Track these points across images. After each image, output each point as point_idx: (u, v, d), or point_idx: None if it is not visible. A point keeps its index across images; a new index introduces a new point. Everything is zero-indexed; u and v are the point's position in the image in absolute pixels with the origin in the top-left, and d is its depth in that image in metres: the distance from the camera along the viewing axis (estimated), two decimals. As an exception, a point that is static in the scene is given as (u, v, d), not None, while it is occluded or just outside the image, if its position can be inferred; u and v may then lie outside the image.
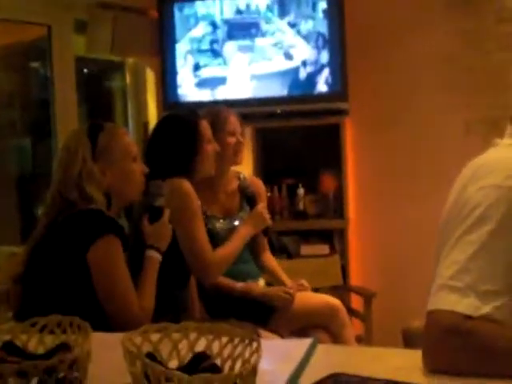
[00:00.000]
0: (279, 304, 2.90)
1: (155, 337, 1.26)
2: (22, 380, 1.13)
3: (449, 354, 1.28)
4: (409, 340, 1.71)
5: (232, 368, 1.22)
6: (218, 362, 1.23)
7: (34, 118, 5.47)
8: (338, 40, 4.29)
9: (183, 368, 1.18)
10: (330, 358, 1.54)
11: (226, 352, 1.24)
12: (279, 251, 4.05)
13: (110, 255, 2.15)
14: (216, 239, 2.84)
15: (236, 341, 1.23)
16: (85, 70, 4.72)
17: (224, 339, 1.25)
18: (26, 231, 5.30)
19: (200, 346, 1.26)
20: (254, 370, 1.07)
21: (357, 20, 4.35)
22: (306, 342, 1.58)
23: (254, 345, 1.16)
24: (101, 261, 2.13)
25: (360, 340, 3.64)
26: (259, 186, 3.23)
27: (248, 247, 3.06)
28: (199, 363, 1.21)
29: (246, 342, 1.20)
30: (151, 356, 1.15)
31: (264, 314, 2.86)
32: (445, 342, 1.28)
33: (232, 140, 3.04)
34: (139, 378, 1.07)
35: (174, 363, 1.25)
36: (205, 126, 2.82)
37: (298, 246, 4.41)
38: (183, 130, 2.78)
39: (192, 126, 2.79)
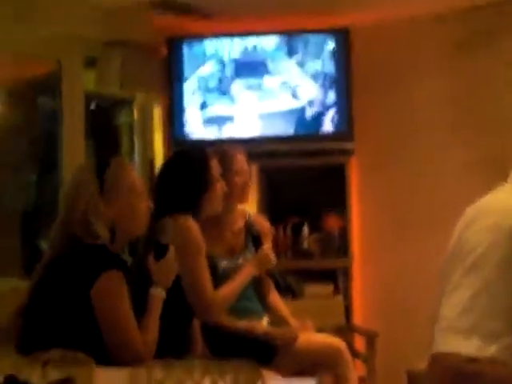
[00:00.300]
0: (282, 343, 2.88)
1: (160, 374, 1.25)
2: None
3: None
4: (413, 382, 1.70)
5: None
6: (222, 401, 1.23)
7: (41, 152, 5.49)
8: (344, 80, 4.33)
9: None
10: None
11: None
12: (285, 291, 4.04)
13: (113, 290, 2.13)
14: (220, 278, 2.83)
15: (241, 380, 1.22)
16: (93, 105, 4.75)
17: (228, 379, 1.24)
18: (29, 265, 5.29)
19: (204, 385, 1.25)
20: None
21: (363, 61, 4.39)
22: (309, 382, 1.57)
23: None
24: (104, 296, 2.12)
25: (363, 381, 3.61)
26: (264, 224, 3.23)
27: (253, 285, 3.05)
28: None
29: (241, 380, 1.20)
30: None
31: (267, 354, 2.83)
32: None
33: (239, 179, 3.05)
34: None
35: (177, 401, 1.24)
36: (215, 165, 2.83)
37: (301, 285, 4.39)
38: (194, 168, 2.79)
39: (203, 164, 2.80)
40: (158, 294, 2.31)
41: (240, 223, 3.15)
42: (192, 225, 2.64)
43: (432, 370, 1.31)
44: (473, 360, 1.26)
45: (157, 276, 2.34)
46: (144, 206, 2.35)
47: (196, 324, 2.78)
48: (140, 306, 2.25)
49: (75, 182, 2.29)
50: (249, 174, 3.13)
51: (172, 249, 2.39)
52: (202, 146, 3.08)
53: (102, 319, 2.11)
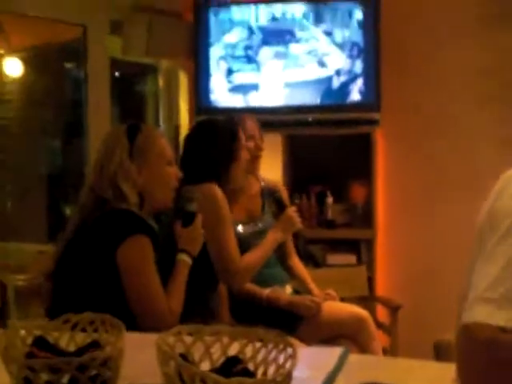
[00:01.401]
0: (305, 313, 2.88)
1: (188, 339, 1.25)
2: (54, 376, 1.12)
3: (485, 368, 1.26)
4: (441, 353, 1.68)
5: (265, 373, 1.21)
6: (251, 366, 1.22)
7: (66, 119, 5.51)
8: (372, 50, 4.27)
9: (215, 371, 1.17)
10: (361, 367, 1.52)
11: (260, 357, 1.23)
12: (305, 259, 4.02)
13: (139, 254, 2.14)
14: (240, 243, 2.82)
15: (270, 346, 1.21)
16: (118, 72, 4.74)
17: (257, 344, 1.23)
18: (53, 230, 5.33)
19: (233, 350, 1.25)
20: (289, 376, 1.06)
21: (392, 30, 4.32)
22: (337, 351, 1.56)
23: (289, 350, 1.15)
24: (129, 260, 2.12)
25: (385, 352, 3.60)
26: (284, 190, 3.23)
27: (275, 251, 3.04)
28: (231, 367, 1.20)
29: (280, 347, 1.19)
30: (183, 357, 1.14)
31: (291, 322, 2.83)
32: (481, 355, 1.25)
33: (250, 145, 3.02)
34: (173, 379, 1.06)
35: (205, 366, 1.24)
36: (242, 134, 2.82)
37: (324, 254, 4.38)
38: (224, 137, 2.77)
39: (233, 133, 2.79)
40: (185, 260, 2.31)
41: (255, 187, 3.14)
42: (219, 193, 2.64)
43: (462, 340, 1.29)
44: (503, 330, 1.24)
45: (184, 243, 2.35)
46: (173, 173, 2.35)
47: (223, 290, 2.79)
48: (167, 274, 2.25)
49: (106, 146, 2.28)
50: (261, 141, 3.11)
51: (199, 217, 2.40)
52: (229, 115, 3.05)
53: (127, 283, 2.12)
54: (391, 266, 4.49)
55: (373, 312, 4.04)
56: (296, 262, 3.21)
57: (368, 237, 4.37)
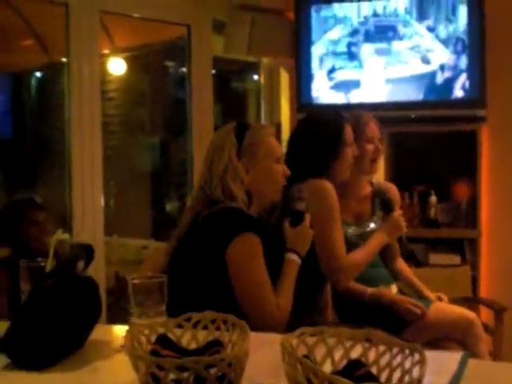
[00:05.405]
0: (407, 317, 2.82)
1: (310, 340, 1.25)
2: (181, 374, 1.14)
3: None
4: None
5: (389, 378, 1.19)
6: (374, 370, 1.21)
7: (167, 117, 5.62)
8: (477, 45, 4.16)
9: (338, 374, 1.16)
10: (482, 373, 1.48)
11: (384, 361, 1.21)
12: (407, 258, 3.96)
13: (249, 252, 2.14)
14: (347, 245, 2.79)
15: (395, 350, 1.20)
16: (220, 70, 4.79)
17: (381, 348, 1.22)
18: (155, 226, 5.45)
19: (355, 353, 1.24)
20: (419, 382, 1.04)
21: (498, 24, 4.20)
22: (456, 355, 1.53)
23: (417, 356, 1.13)
24: (239, 257, 2.13)
25: (491, 355, 3.51)
26: (395, 192, 3.17)
27: (379, 253, 3.01)
28: (354, 370, 1.19)
29: (407, 352, 1.17)
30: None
31: (396, 323, 2.79)
32: None
33: (370, 147, 2.99)
34: (300, 382, 1.06)
35: (327, 368, 1.23)
36: (349, 130, 2.78)
37: (426, 254, 4.32)
38: (328, 132, 2.74)
39: (338, 129, 2.76)
40: (294, 260, 2.30)
41: (366, 190, 3.10)
42: (330, 188, 2.61)
43: None
44: None
45: (292, 243, 2.34)
46: (281, 171, 2.35)
47: (328, 290, 2.78)
48: (275, 273, 2.25)
49: (215, 144, 2.30)
50: (381, 142, 3.06)
51: (308, 216, 2.38)
52: (336, 109, 3.01)
53: (236, 280, 2.13)
54: (496, 266, 4.37)
55: (477, 314, 3.95)
56: (402, 265, 3.16)
57: (472, 236, 4.28)
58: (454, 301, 3.51)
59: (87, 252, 1.69)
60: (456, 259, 4.25)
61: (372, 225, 2.99)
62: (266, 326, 2.02)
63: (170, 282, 1.63)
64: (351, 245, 2.82)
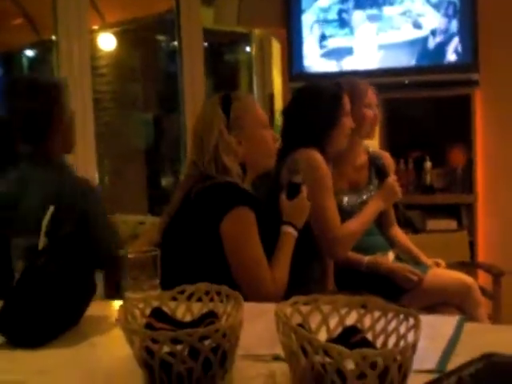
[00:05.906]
0: (404, 285, 2.82)
1: (305, 309, 1.24)
2: (175, 346, 1.13)
3: None
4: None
5: (385, 344, 1.19)
6: (369, 336, 1.20)
7: (159, 91, 5.58)
8: (469, 8, 4.13)
9: (333, 341, 1.15)
10: (479, 336, 1.48)
11: (379, 327, 1.21)
12: (404, 225, 3.95)
13: (243, 226, 2.13)
14: (343, 214, 2.78)
15: (389, 316, 1.19)
16: (211, 42, 4.75)
17: (376, 314, 1.21)
18: (152, 201, 5.44)
19: (350, 320, 1.23)
20: (414, 347, 1.03)
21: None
22: (453, 319, 1.53)
23: (411, 320, 1.13)
24: (233, 231, 2.12)
25: (490, 319, 3.52)
26: (389, 159, 3.16)
27: (375, 220, 3.00)
28: (349, 337, 1.19)
29: (401, 317, 1.17)
30: (301, 327, 1.13)
31: (394, 290, 2.79)
32: None
33: (369, 113, 2.97)
34: (295, 351, 1.06)
35: (322, 336, 1.22)
36: (347, 100, 2.77)
37: (424, 220, 4.31)
38: (326, 101, 2.73)
39: (337, 97, 2.74)
40: (290, 232, 2.29)
41: (362, 158, 3.08)
42: (319, 158, 2.61)
43: None
44: None
45: (289, 215, 2.32)
46: (270, 136, 2.33)
47: (327, 259, 2.77)
48: (270, 245, 2.23)
49: (203, 119, 2.29)
50: (378, 108, 3.05)
51: (305, 188, 2.36)
52: (334, 79, 2.98)
53: (230, 254, 2.12)
54: (493, 231, 4.38)
55: (474, 278, 3.96)
56: (398, 231, 3.17)
57: (468, 201, 4.27)
58: (452, 266, 3.51)
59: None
60: (453, 224, 4.26)
61: (366, 195, 2.98)
62: (261, 298, 2.01)
63: (163, 257, 1.63)
64: (347, 213, 2.82)
